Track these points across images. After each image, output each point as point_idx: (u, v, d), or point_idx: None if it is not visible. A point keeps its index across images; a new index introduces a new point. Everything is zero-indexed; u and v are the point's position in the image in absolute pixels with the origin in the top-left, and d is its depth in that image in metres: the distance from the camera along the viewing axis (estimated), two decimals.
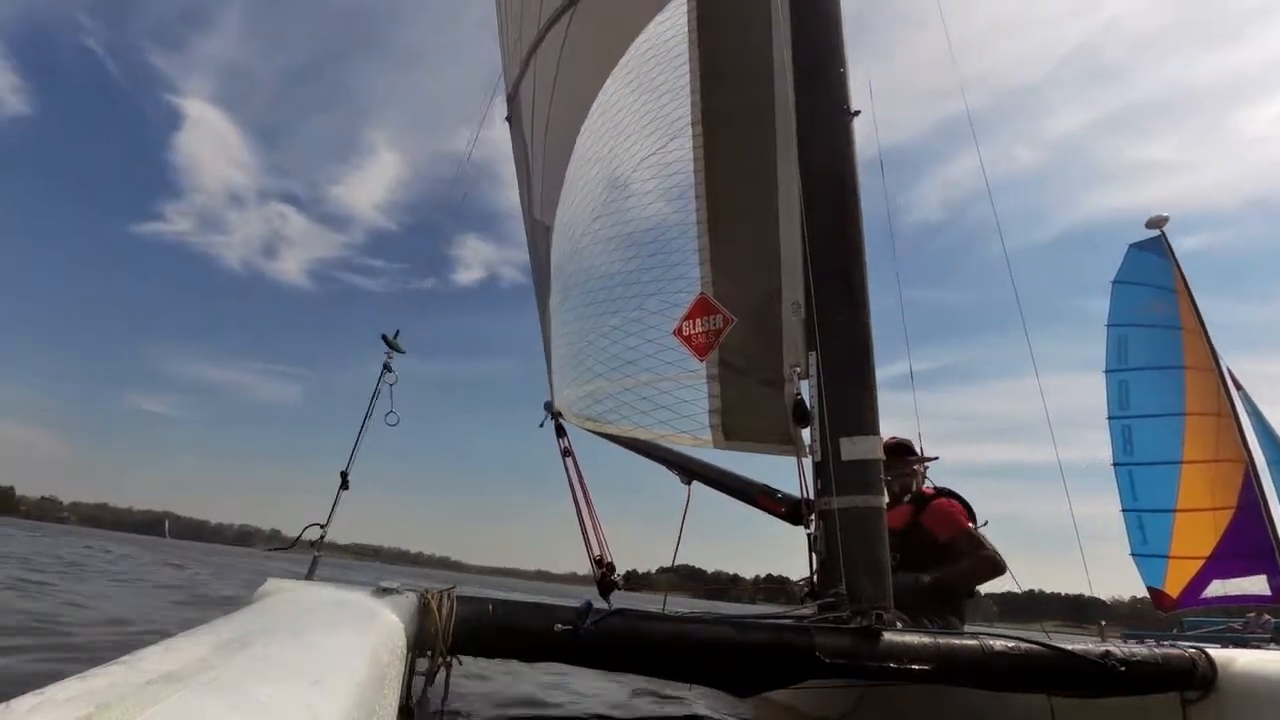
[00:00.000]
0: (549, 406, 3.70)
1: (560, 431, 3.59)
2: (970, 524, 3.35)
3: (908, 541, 3.29)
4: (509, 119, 4.88)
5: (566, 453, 3.53)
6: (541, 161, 4.21)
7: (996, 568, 3.20)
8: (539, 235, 4.27)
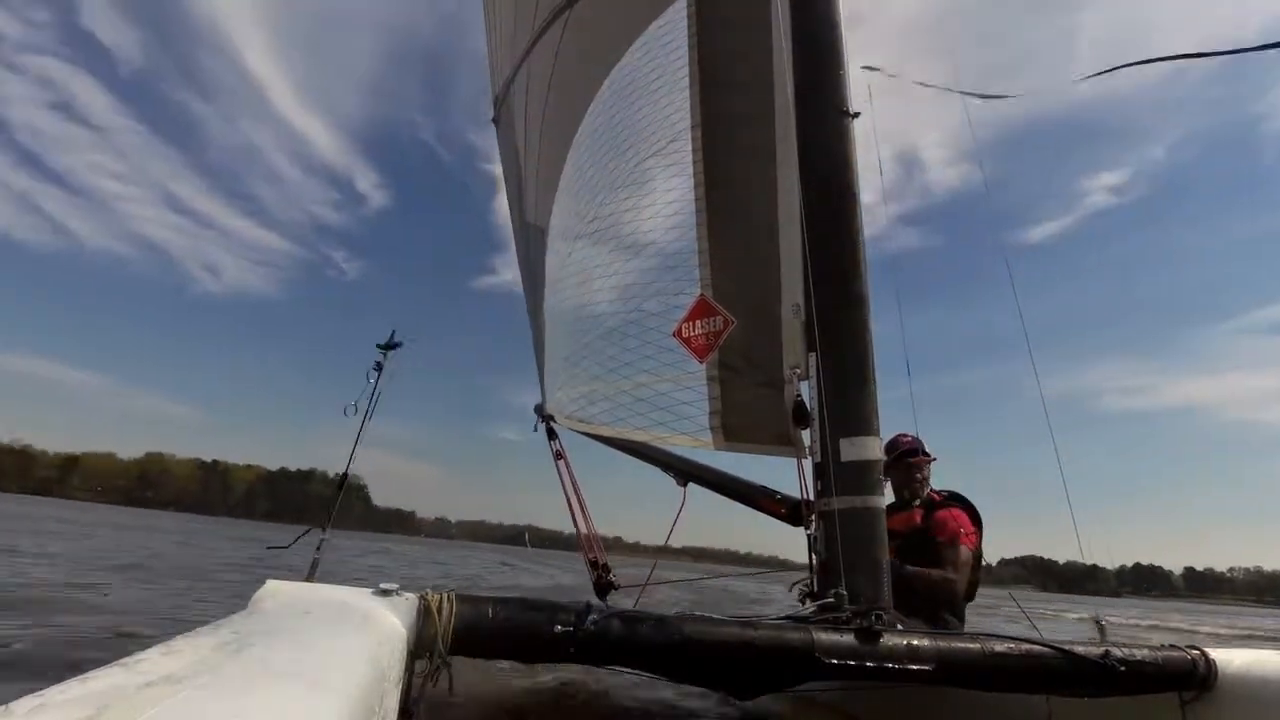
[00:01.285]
0: (540, 410, 3.69)
1: (551, 435, 3.58)
2: (973, 535, 3.30)
3: (914, 545, 3.28)
4: (495, 121, 4.89)
5: (559, 455, 3.53)
6: (535, 163, 4.21)
7: (952, 595, 3.16)
8: (531, 237, 4.26)
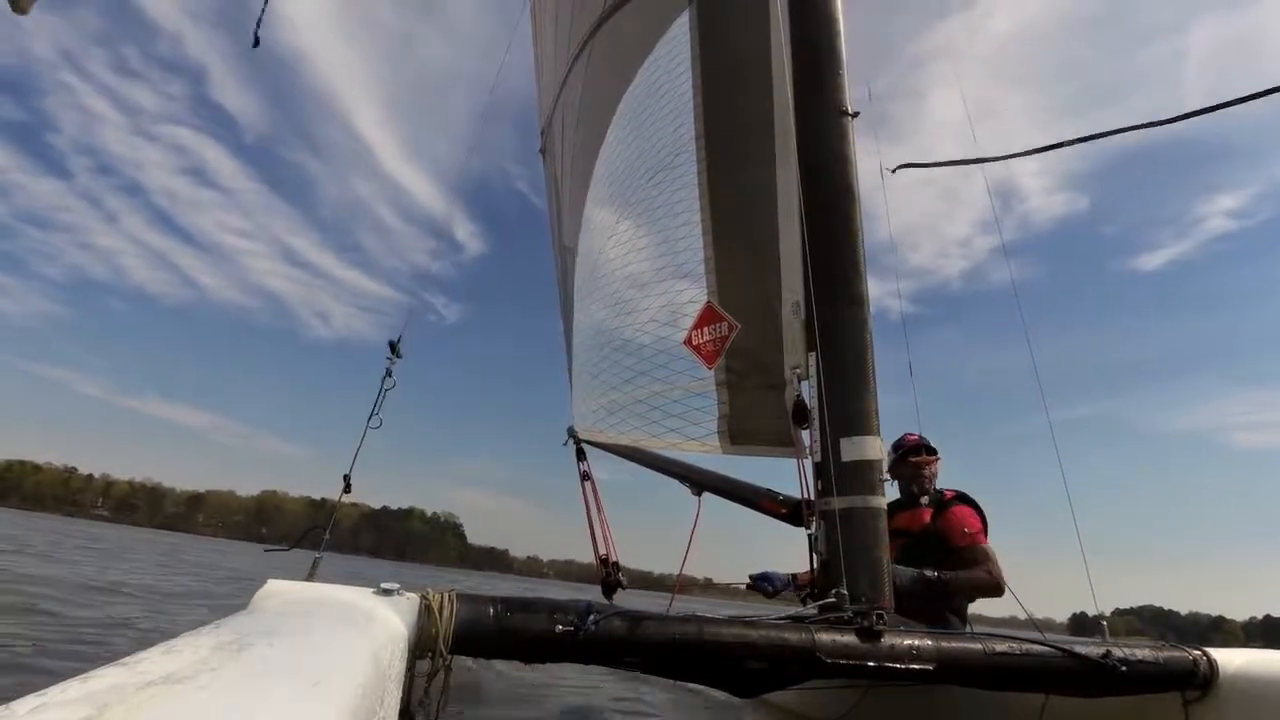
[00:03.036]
0: (572, 432, 3.70)
1: (580, 456, 3.61)
2: (984, 535, 3.27)
3: (923, 544, 3.26)
4: (542, 151, 5.09)
5: (585, 476, 3.55)
6: (569, 188, 4.34)
7: (997, 588, 3.13)
8: (566, 260, 4.39)
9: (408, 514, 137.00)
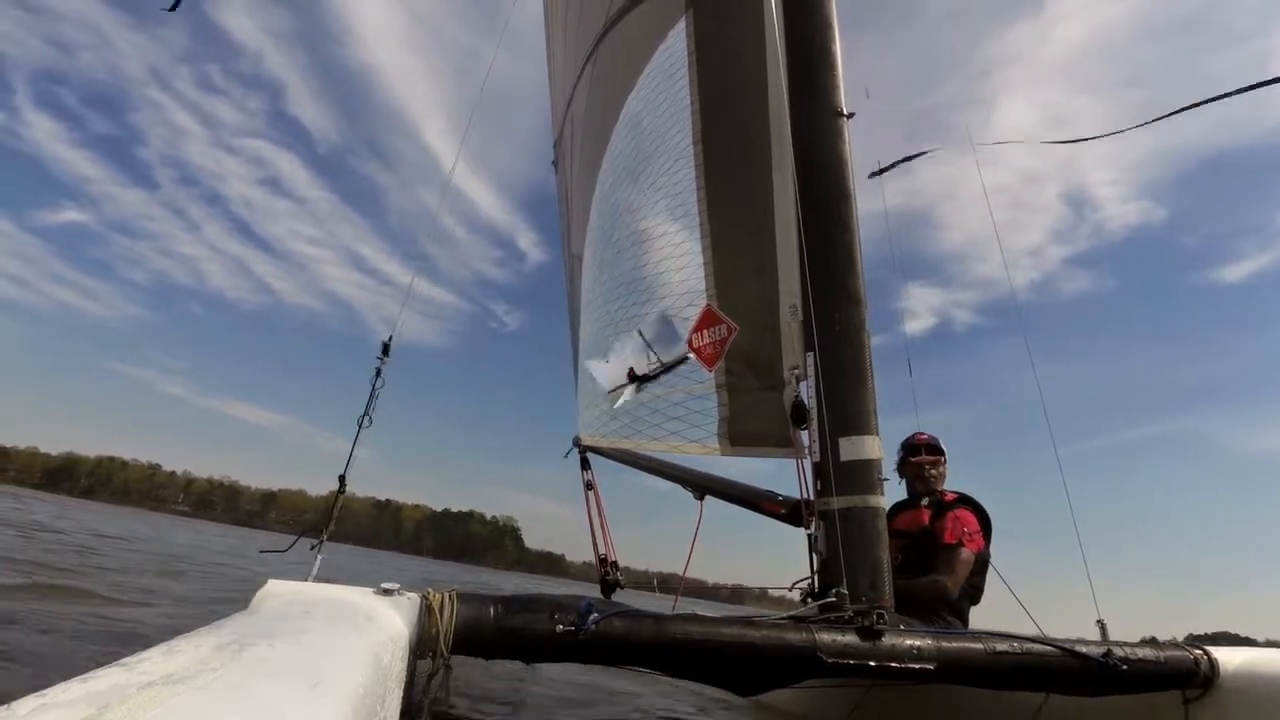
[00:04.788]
0: (577, 441, 3.69)
1: (585, 465, 3.62)
2: (978, 537, 3.18)
3: (920, 546, 3.23)
4: (555, 163, 5.19)
5: (589, 486, 3.55)
6: (578, 197, 4.40)
7: (941, 596, 3.00)
8: (575, 269, 4.42)
9: (468, 517, 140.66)
